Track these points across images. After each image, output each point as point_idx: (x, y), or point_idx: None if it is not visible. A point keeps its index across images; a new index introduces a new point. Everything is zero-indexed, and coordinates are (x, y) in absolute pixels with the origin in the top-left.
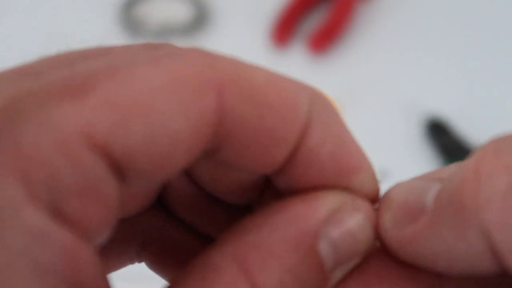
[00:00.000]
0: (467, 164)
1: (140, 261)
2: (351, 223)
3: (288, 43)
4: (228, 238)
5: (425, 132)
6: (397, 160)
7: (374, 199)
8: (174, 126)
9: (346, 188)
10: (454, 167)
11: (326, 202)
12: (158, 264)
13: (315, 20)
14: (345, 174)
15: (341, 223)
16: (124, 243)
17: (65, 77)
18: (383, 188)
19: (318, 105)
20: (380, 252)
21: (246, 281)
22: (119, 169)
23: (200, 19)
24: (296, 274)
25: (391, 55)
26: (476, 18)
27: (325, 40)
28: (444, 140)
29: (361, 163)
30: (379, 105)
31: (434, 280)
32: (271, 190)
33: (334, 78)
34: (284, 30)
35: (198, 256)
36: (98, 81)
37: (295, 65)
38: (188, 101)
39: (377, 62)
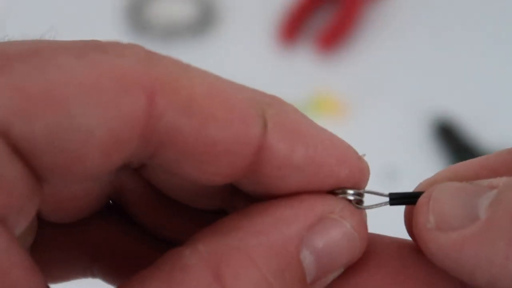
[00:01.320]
0: None
1: (93, 276)
2: (336, 233)
3: (295, 42)
4: (201, 237)
5: (434, 132)
6: (405, 160)
7: (363, 177)
8: (87, 122)
9: (334, 186)
10: (507, 178)
11: (313, 208)
12: (113, 279)
13: (323, 19)
14: (329, 172)
15: (327, 232)
16: (72, 253)
17: None
18: (391, 187)
19: (277, 112)
20: (398, 255)
21: (218, 286)
22: (23, 156)
23: (207, 19)
24: (273, 284)
25: (399, 54)
26: (486, 18)
27: (333, 39)
28: (454, 140)
29: (341, 154)
30: (387, 104)
31: None
32: (244, 194)
33: (342, 77)
34: (292, 28)
35: (167, 254)
36: (10, 61)
37: (303, 64)
38: (110, 99)
39: (386, 62)
